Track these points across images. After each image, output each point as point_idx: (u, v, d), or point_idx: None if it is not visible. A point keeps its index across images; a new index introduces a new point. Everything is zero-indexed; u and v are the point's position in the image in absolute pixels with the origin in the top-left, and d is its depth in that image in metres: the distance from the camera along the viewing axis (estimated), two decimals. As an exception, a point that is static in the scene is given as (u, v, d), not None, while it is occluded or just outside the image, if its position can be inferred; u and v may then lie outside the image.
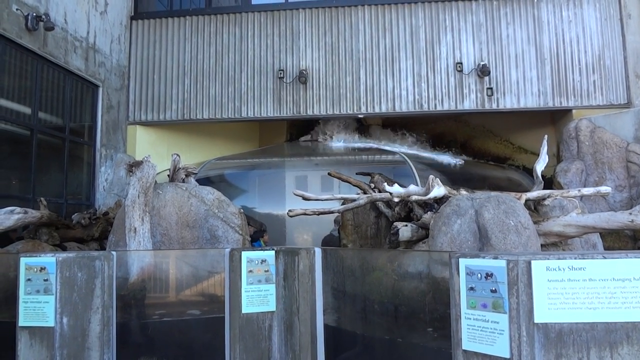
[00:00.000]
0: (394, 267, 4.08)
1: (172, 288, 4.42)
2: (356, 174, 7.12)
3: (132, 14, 10.17)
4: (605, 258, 2.46)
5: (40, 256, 3.70)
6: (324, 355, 3.78)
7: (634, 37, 9.38)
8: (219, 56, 10.03)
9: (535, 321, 2.41)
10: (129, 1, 10.08)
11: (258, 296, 3.90)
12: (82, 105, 8.69)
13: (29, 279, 3.63)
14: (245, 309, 3.85)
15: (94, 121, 8.95)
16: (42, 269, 3.63)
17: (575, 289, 2.43)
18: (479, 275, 2.58)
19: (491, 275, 2.53)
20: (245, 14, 10.08)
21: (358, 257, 4.20)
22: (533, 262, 2.44)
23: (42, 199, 6.74)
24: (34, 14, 7.11)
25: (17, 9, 6.91)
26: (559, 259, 2.46)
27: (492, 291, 2.52)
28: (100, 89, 9.04)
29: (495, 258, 2.54)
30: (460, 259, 2.68)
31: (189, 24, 10.15)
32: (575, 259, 2.46)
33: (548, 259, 2.46)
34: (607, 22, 9.52)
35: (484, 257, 2.60)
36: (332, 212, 5.83)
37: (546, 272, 2.43)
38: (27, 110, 7.35)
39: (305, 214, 5.48)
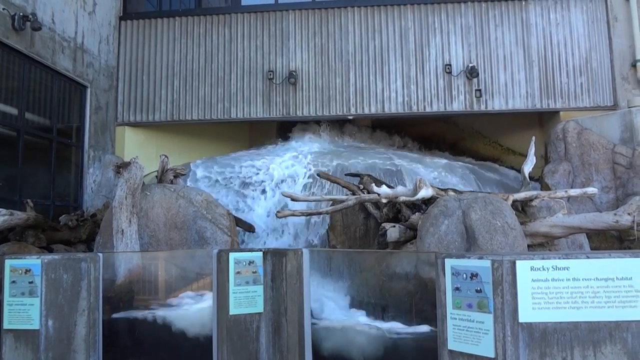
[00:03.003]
0: (382, 268, 4.09)
1: (159, 289, 4.40)
2: (345, 175, 7.13)
3: (121, 14, 10.11)
4: (588, 258, 2.49)
5: (25, 258, 3.67)
6: (311, 357, 3.78)
7: (621, 40, 9.48)
8: (208, 57, 10.00)
9: (520, 321, 2.43)
10: (117, 1, 10.02)
11: (246, 297, 3.89)
12: (69, 106, 8.63)
13: (13, 281, 3.60)
14: (232, 310, 3.85)
15: (82, 122, 8.88)
16: (27, 271, 3.59)
17: (559, 289, 2.46)
18: (465, 275, 2.60)
19: (476, 275, 2.55)
20: (235, 15, 10.07)
21: (346, 258, 4.21)
22: (517, 262, 2.46)
23: (28, 200, 6.68)
24: (21, 14, 7.05)
25: (3, 9, 6.85)
26: (543, 258, 2.48)
27: (477, 291, 2.54)
28: (89, 90, 8.97)
29: (480, 258, 2.55)
30: (446, 259, 2.70)
31: (179, 24, 10.12)
32: (559, 258, 2.48)
33: (532, 259, 2.48)
34: (594, 25, 9.61)
35: (469, 258, 2.61)
36: (320, 213, 5.84)
37: (530, 272, 2.46)
38: (13, 111, 7.28)
39: (293, 214, 5.48)
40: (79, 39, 8.62)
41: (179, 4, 10.41)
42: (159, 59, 10.04)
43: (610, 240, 7.43)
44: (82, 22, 8.74)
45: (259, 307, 3.91)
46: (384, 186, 5.37)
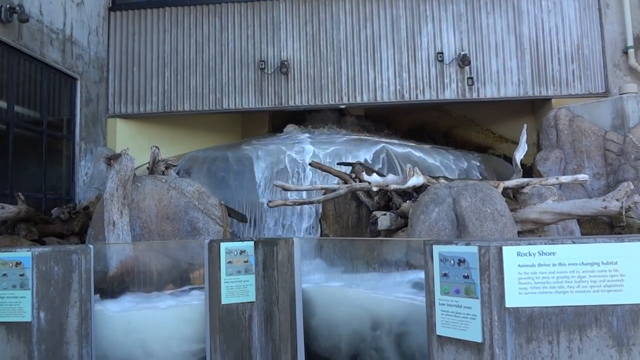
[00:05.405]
0: (373, 256, 4.12)
1: (151, 280, 4.41)
2: (337, 164, 7.14)
3: (110, 5, 10.01)
4: (574, 243, 2.51)
5: (15, 251, 3.66)
6: (303, 344, 3.81)
7: (612, 27, 9.48)
8: (199, 47, 9.93)
9: (507, 306, 2.46)
10: (106, -8, 9.93)
11: (238, 287, 3.91)
12: (60, 99, 8.57)
13: (4, 274, 3.59)
14: (224, 300, 3.86)
15: (73, 114, 8.82)
16: (17, 263, 3.59)
17: (546, 274, 2.48)
18: (452, 261, 2.62)
19: (464, 261, 2.57)
20: (225, 4, 9.99)
21: (337, 247, 4.23)
22: (504, 248, 2.48)
23: (19, 194, 6.65)
24: (8, 6, 6.97)
25: (-10, 0, 6.78)
26: (529, 244, 2.50)
27: (464, 277, 2.56)
28: (79, 82, 8.90)
29: (468, 244, 2.57)
30: (434, 246, 2.71)
31: (169, 15, 10.04)
32: (545, 244, 2.50)
33: (519, 244, 2.50)
34: (585, 12, 9.61)
35: (456, 244, 2.63)
36: (312, 203, 5.85)
37: (517, 257, 2.48)
38: (2, 104, 7.22)
39: (285, 204, 5.49)
40: (67, 31, 8.55)
41: (168, -6, 10.33)
42: (150, 50, 9.98)
43: (602, 227, 7.48)
44: (71, 13, 8.65)
45: (251, 296, 3.93)
46: (374, 174, 5.38)
